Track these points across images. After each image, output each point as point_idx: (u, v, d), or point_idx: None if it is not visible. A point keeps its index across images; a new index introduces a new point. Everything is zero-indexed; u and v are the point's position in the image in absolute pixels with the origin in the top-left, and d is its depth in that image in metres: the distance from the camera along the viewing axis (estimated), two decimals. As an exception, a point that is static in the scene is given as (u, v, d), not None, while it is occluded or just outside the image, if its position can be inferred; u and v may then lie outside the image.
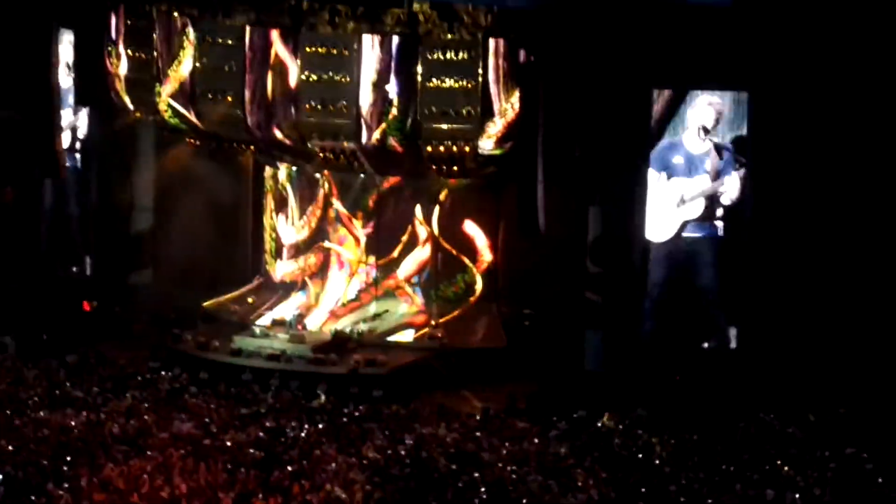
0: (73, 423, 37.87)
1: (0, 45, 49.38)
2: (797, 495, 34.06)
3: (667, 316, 43.09)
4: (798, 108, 41.93)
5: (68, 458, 35.62)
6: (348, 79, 43.78)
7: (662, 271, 43.01)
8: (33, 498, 33.43)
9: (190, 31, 45.11)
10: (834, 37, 42.07)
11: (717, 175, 42.66)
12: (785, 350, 41.65)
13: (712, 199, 42.72)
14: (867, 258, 42.30)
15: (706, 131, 42.72)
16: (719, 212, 42.88)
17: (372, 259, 47.36)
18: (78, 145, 48.25)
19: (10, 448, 36.26)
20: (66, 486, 34.05)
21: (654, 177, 42.96)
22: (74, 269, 48.42)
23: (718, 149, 42.65)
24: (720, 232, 42.71)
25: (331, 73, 43.93)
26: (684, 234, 43.07)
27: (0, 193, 50.14)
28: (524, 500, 34.01)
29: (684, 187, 42.80)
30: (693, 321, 42.95)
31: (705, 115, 42.78)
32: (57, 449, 36.30)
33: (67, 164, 48.08)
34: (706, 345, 42.80)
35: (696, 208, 42.85)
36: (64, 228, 48.75)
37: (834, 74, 41.92)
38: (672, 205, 42.84)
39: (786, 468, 35.59)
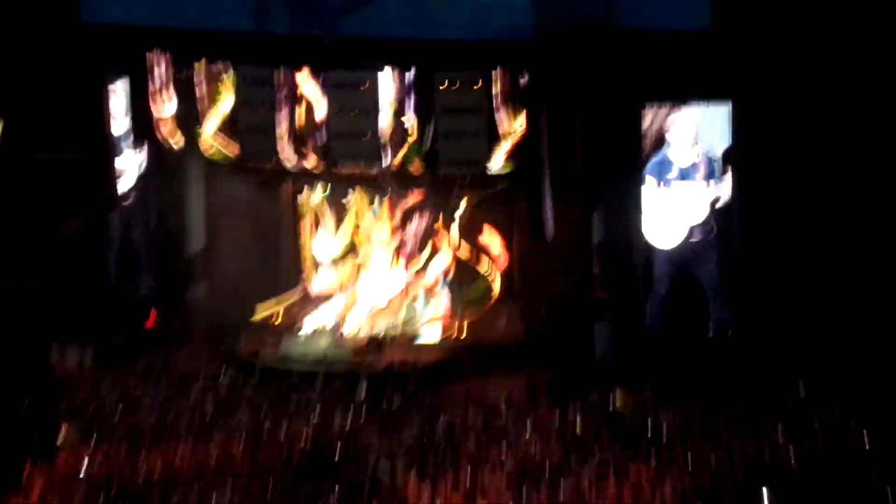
0: (144, 421, 38.50)
1: (60, 91, 50.07)
2: (790, 456, 34.67)
3: (671, 309, 43.42)
4: (778, 117, 42.12)
5: (143, 450, 36.27)
6: (370, 110, 44.13)
7: (667, 270, 43.20)
8: (114, 484, 34.01)
9: (228, 74, 45.60)
10: (809, 52, 42.44)
11: (709, 181, 42.92)
12: (777, 334, 41.99)
13: (712, 204, 43.01)
14: (849, 249, 42.56)
15: (694, 143, 43.02)
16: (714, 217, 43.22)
17: (400, 268, 47.78)
18: (137, 180, 48.68)
19: (94, 447, 36.96)
20: (142, 473, 34.75)
21: (654, 187, 43.21)
22: (139, 287, 48.80)
23: (707, 158, 42.93)
24: (714, 232, 42.86)
25: (354, 106, 44.30)
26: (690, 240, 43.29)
27: (66, 225, 50.78)
28: (544, 474, 34.59)
29: (685, 195, 43.05)
30: (695, 313, 43.24)
31: (692, 129, 43.07)
32: (132, 443, 36.97)
33: (130, 196, 48.58)
34: (708, 333, 43.06)
35: (701, 214, 43.09)
36: (129, 251, 49.15)
37: (810, 86, 42.18)
38: (677, 212, 43.09)
39: (780, 434, 36.15)
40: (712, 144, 43.06)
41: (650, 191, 44.47)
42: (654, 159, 44.44)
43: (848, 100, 43.06)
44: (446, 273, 49.54)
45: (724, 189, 43.99)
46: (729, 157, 43.30)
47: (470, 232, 48.91)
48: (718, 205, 43.32)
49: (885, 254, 42.89)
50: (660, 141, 43.79)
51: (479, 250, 49.25)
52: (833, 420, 36.78)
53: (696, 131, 43.50)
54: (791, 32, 42.98)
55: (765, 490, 32.22)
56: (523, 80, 45.13)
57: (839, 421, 36.67)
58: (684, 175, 44.14)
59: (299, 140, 46.55)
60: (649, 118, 43.84)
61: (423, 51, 44.71)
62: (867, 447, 34.86)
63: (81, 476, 34.93)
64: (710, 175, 43.43)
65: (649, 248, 44.23)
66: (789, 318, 43.09)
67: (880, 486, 32.43)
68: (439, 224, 49.02)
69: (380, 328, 48.56)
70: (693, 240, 44.20)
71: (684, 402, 39.05)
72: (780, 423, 36.80)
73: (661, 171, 44.16)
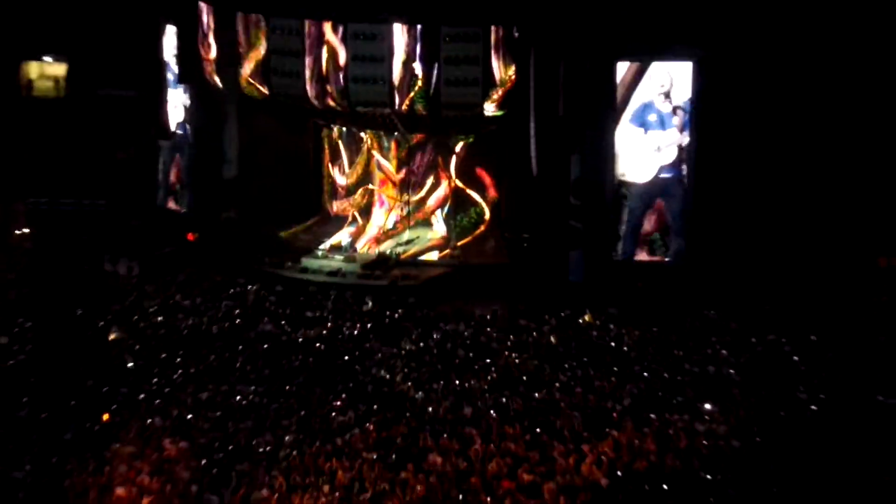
0: (182, 326, 38.44)
1: (120, 39, 49.69)
2: (731, 370, 34.58)
3: (638, 238, 43.19)
4: (736, 74, 42.04)
5: (180, 352, 36.25)
6: (383, 58, 43.83)
7: (639, 204, 42.95)
8: (154, 381, 33.94)
9: (262, 24, 45.17)
10: (765, 18, 42.21)
11: (683, 129, 42.62)
12: (725, 262, 41.78)
13: (680, 148, 42.69)
14: (791, 191, 42.48)
15: (667, 94, 42.64)
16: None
17: (405, 197, 47.48)
18: (182, 114, 48.30)
19: (137, 346, 36.89)
20: (179, 373, 34.62)
21: (633, 131, 42.90)
22: (180, 208, 48.53)
23: (679, 108, 42.56)
24: (684, 173, 42.63)
25: (370, 55, 43.97)
26: (661, 176, 43.04)
27: (122, 152, 50.53)
28: (524, 378, 34.43)
29: (659, 139, 42.71)
30: (657, 242, 43.03)
31: (663, 81, 42.67)
32: (171, 345, 36.90)
33: (174, 129, 48.22)
34: (666, 259, 42.83)
35: (670, 154, 42.77)
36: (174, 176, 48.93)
37: (764, 47, 42.07)
38: (650, 152, 42.77)
39: (723, 351, 36.00)
40: (683, 97, 43.19)
41: (630, 134, 44.41)
42: (637, 107, 44.51)
43: (796, 58, 42.81)
44: (444, 202, 49.28)
45: (689, 137, 43.84)
46: (691, 108, 43.32)
47: (465, 168, 48.67)
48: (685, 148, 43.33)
49: (819, 196, 42.88)
50: (631, 93, 43.80)
51: (472, 184, 49.25)
52: (768, 341, 36.75)
53: (673, 85, 43.45)
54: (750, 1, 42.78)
55: (707, 402, 32.26)
56: (515, 36, 45.02)
57: (773, 342, 36.66)
58: (662, 122, 43.90)
59: (322, 83, 46.41)
60: (626, 71, 43.82)
61: (429, 7, 44.42)
62: (796, 367, 34.88)
63: (128, 370, 35.12)
64: (683, 123, 43.27)
65: (621, 185, 44.26)
66: (737, 250, 43.05)
67: (807, 400, 32.45)
68: (439, 160, 49.04)
69: (386, 248, 48.37)
70: (662, 176, 44.42)
71: (643, 322, 38.95)
72: (724, 343, 36.83)
73: (643, 118, 43.99)
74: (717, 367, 34.70)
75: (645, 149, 42.68)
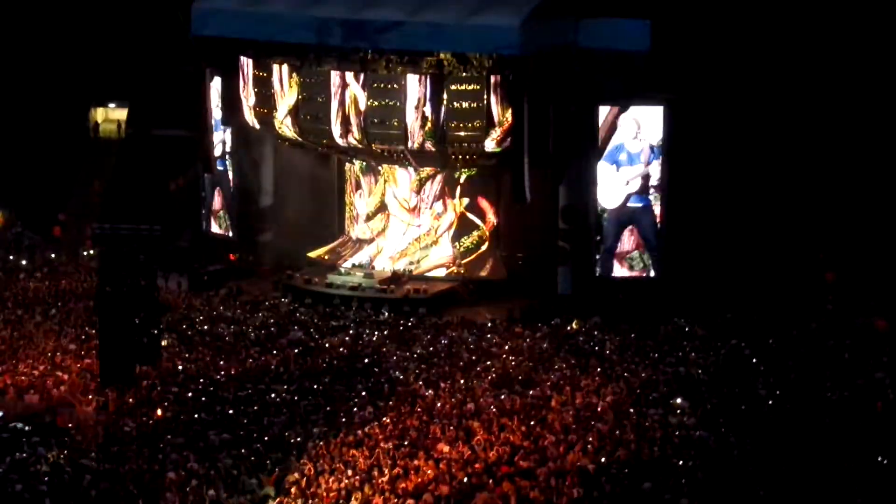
0: (224, 333, 38.09)
1: (172, 86, 49.50)
2: (699, 371, 34.20)
3: (614, 256, 43.00)
4: (699, 117, 42.16)
5: (223, 356, 35.89)
6: (398, 104, 43.56)
7: (613, 227, 42.79)
8: (200, 381, 33.62)
9: (294, 75, 44.90)
10: (723, 69, 42.30)
11: (648, 163, 42.46)
12: (693, 277, 41.53)
13: (646, 179, 42.48)
14: (749, 215, 42.48)
15: (636, 136, 42.51)
16: (652, 189, 42.73)
17: (416, 221, 47.15)
18: (225, 152, 48.08)
19: (184, 348, 36.56)
20: (221, 374, 34.28)
21: (607, 168, 42.82)
22: (223, 232, 48.30)
23: (650, 146, 42.46)
24: (653, 202, 42.45)
25: (386, 101, 43.70)
26: (629, 204, 42.80)
27: (173, 184, 50.34)
28: (520, 377, 34.06)
29: (628, 173, 42.60)
30: (635, 259, 42.87)
31: (635, 124, 42.55)
32: (215, 350, 36.55)
33: (218, 165, 48.00)
34: (642, 274, 42.61)
35: (635, 185, 42.60)
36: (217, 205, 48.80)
37: (723, 94, 42.26)
38: (621, 184, 42.65)
39: (692, 354, 35.64)
40: (653, 137, 43.05)
41: (605, 170, 44.15)
42: (611, 148, 44.24)
43: (751, 102, 42.83)
44: (450, 226, 49.02)
45: (655, 169, 43.71)
46: (662, 145, 43.16)
47: (468, 196, 48.69)
48: (652, 181, 43.13)
49: (775, 219, 42.71)
50: (611, 133, 43.64)
51: (475, 210, 48.98)
52: (731, 345, 36.30)
53: (641, 127, 43.29)
54: (709, 55, 42.65)
55: (679, 398, 31.91)
56: (511, 85, 44.77)
57: (735, 346, 36.21)
58: (631, 159, 43.70)
59: (345, 124, 46.11)
60: (604, 115, 43.62)
61: (438, 61, 44.15)
62: (756, 367, 34.48)
63: (178, 371, 34.77)
64: (649, 160, 43.10)
65: (602, 211, 44.01)
66: (703, 267, 42.69)
67: (766, 396, 32.01)
68: (446, 190, 48.66)
69: (400, 266, 48.30)
70: (630, 204, 44.17)
71: (623, 328, 38.68)
72: (693, 347, 36.49)
73: (616, 156, 43.81)
74: (687, 368, 34.28)
75: (616, 182, 42.64)
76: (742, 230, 42.34)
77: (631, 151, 42.54)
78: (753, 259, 41.83)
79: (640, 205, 42.81)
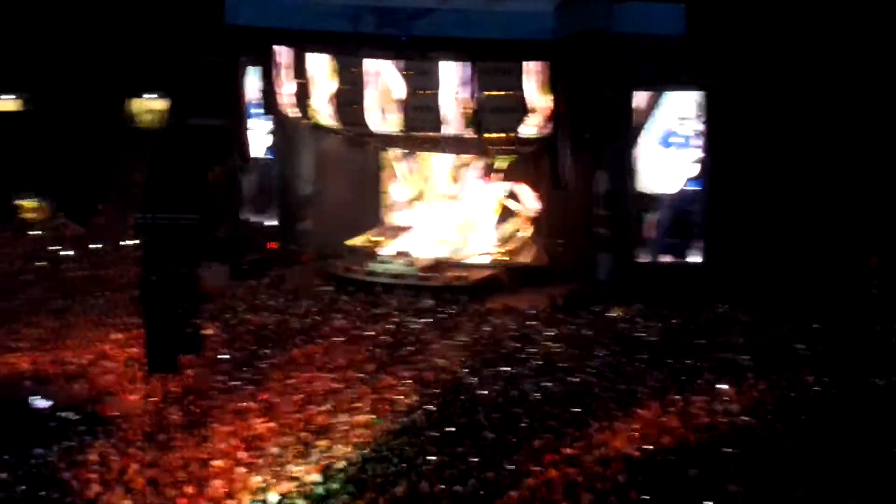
0: (267, 322, 38.21)
1: (209, 77, 49.55)
2: (745, 357, 34.06)
3: (663, 242, 42.90)
4: (741, 102, 41.83)
5: (267, 345, 36.01)
6: (432, 91, 43.50)
7: (667, 212, 42.60)
8: (245, 370, 33.73)
9: (329, 63, 44.89)
10: (761, 52, 42.04)
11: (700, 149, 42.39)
12: (738, 263, 41.37)
13: (702, 164, 42.34)
14: (794, 200, 42.25)
15: (686, 119, 42.34)
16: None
17: (456, 209, 47.12)
18: (262, 140, 48.12)
19: (227, 336, 36.69)
20: (266, 362, 34.40)
21: (659, 150, 42.54)
22: (262, 220, 48.34)
23: (698, 130, 42.35)
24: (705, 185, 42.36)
25: (421, 88, 43.68)
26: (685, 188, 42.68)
27: (212, 174, 50.38)
28: (563, 364, 34.05)
29: (683, 156, 42.29)
30: (682, 245, 42.74)
31: (681, 110, 42.38)
32: (258, 338, 36.67)
33: (258, 153, 48.06)
34: (687, 261, 42.46)
35: (695, 170, 42.39)
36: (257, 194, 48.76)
37: (762, 78, 41.95)
38: (676, 167, 42.36)
39: (737, 340, 35.58)
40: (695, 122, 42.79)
41: (657, 153, 44.07)
42: (662, 131, 44.07)
43: (791, 87, 42.60)
44: (490, 213, 49.20)
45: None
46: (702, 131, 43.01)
47: (508, 183, 48.63)
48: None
49: (820, 203, 42.45)
50: (646, 118, 43.49)
51: (514, 196, 49.39)
52: (778, 332, 36.22)
53: (681, 111, 43.11)
54: (746, 38, 42.46)
55: (723, 385, 31.88)
56: (548, 70, 44.71)
57: (781, 332, 36.16)
58: (686, 142, 43.51)
59: (382, 112, 46.17)
60: (641, 100, 43.53)
61: (474, 46, 44.13)
62: (802, 353, 34.37)
63: (221, 359, 34.90)
64: (700, 143, 42.89)
65: (642, 197, 43.92)
66: (747, 252, 42.54)
67: (813, 383, 31.90)
68: (485, 176, 48.73)
69: (441, 253, 48.31)
70: (688, 189, 44.00)
71: (666, 315, 38.59)
72: (738, 333, 36.40)
73: (667, 140, 43.59)
74: (732, 354, 34.21)
75: (670, 166, 42.36)
76: (786, 216, 42.07)
77: (683, 134, 42.27)
78: (799, 244, 41.57)
79: (696, 189, 42.54)
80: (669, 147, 42.38)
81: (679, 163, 42.33)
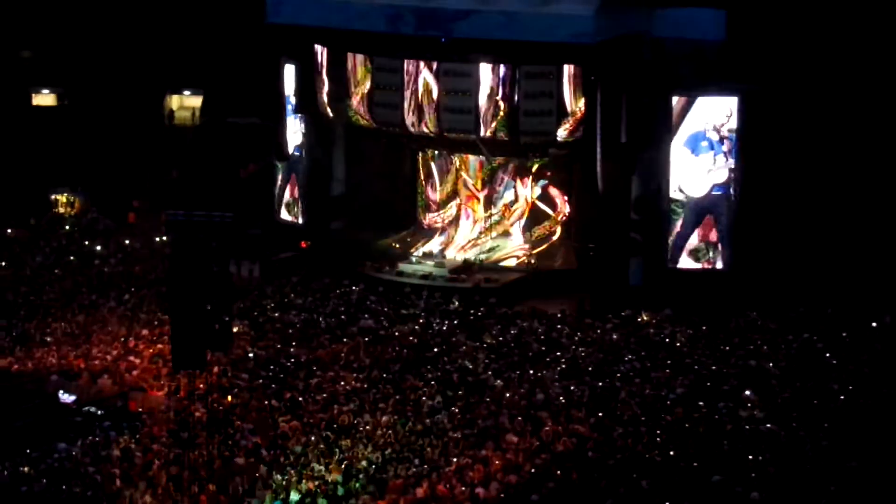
0: (295, 320, 38.25)
1: (246, 75, 49.75)
2: (771, 364, 33.95)
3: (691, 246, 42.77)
4: (776, 105, 41.65)
5: (293, 343, 36.05)
6: (470, 93, 43.54)
7: (694, 217, 42.46)
8: (272, 367, 33.80)
9: (368, 63, 45.00)
10: (800, 59, 41.85)
11: (730, 153, 42.17)
12: (766, 270, 41.18)
13: (730, 169, 42.17)
14: (822, 207, 42.00)
15: (717, 124, 42.21)
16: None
17: (488, 211, 47.12)
18: (298, 139, 48.24)
19: (255, 334, 36.78)
20: (292, 360, 34.44)
21: (686, 154, 42.44)
22: (295, 219, 48.41)
23: (726, 136, 42.20)
24: (731, 190, 42.17)
25: (459, 90, 43.71)
26: (713, 193, 42.53)
27: (244, 171, 50.51)
28: (589, 369, 33.99)
29: (710, 161, 42.16)
30: (702, 251, 42.54)
31: (711, 115, 42.21)
32: (285, 337, 36.72)
33: (291, 151, 48.14)
34: (713, 267, 42.29)
35: (722, 175, 42.21)
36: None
37: (800, 84, 41.75)
38: (703, 173, 42.21)
39: (764, 347, 35.38)
40: (727, 127, 42.67)
41: (685, 156, 43.93)
42: (690, 135, 43.94)
43: (827, 95, 42.32)
44: (522, 216, 49.15)
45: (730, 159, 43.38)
46: (736, 136, 42.84)
47: (540, 185, 48.65)
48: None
49: (849, 211, 42.13)
50: (679, 123, 43.35)
51: (546, 200, 49.11)
52: (803, 339, 36.07)
53: (714, 117, 42.96)
54: (786, 44, 42.24)
55: (748, 391, 31.78)
56: (584, 74, 44.61)
57: (808, 340, 35.96)
58: (712, 146, 43.36)
59: (418, 113, 46.19)
60: (681, 104, 43.36)
61: (512, 49, 44.07)
62: (828, 361, 34.25)
63: (249, 358, 34.95)
64: (734, 151, 42.79)
65: (676, 202, 43.76)
66: (776, 259, 42.32)
67: (838, 391, 31.76)
68: (518, 179, 48.64)
69: (471, 255, 48.06)
70: (714, 194, 43.86)
71: (694, 321, 38.37)
72: (765, 340, 36.21)
73: (696, 144, 43.47)
74: (758, 361, 34.06)
75: (698, 169, 42.21)
76: (815, 223, 41.87)
77: (712, 139, 42.19)
78: (827, 252, 41.39)
79: (720, 193, 42.44)
80: (695, 152, 42.35)
81: (706, 167, 42.30)
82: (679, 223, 42.41)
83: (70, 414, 31.28)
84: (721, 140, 42.06)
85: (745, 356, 34.61)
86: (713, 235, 42.31)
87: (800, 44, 42.30)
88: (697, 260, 42.63)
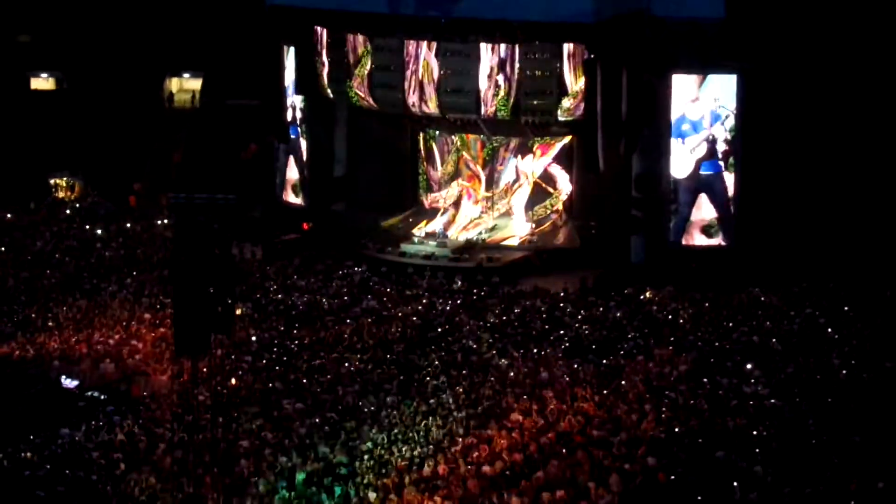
0: (298, 303, 38.24)
1: (247, 54, 49.67)
2: (774, 340, 33.94)
3: (689, 224, 42.74)
4: (775, 84, 41.89)
5: (296, 325, 36.04)
6: (471, 73, 43.54)
7: (687, 196, 42.55)
8: (274, 350, 33.79)
9: (368, 44, 44.95)
10: (799, 39, 41.87)
11: (710, 125, 42.28)
12: (768, 246, 41.17)
13: (712, 144, 42.21)
14: (822, 183, 42.05)
15: (695, 102, 42.33)
16: (720, 154, 42.44)
17: (490, 191, 47.12)
18: (298, 120, 48.21)
19: (258, 317, 36.69)
20: (296, 343, 34.44)
21: (673, 140, 42.59)
22: (296, 201, 48.44)
23: (711, 112, 42.25)
24: (722, 167, 42.17)
25: (459, 70, 43.69)
26: (701, 172, 42.57)
27: (245, 153, 50.45)
28: (593, 347, 33.99)
29: (693, 140, 42.32)
30: (713, 227, 42.59)
31: (691, 92, 42.35)
32: (288, 319, 36.70)
33: (291, 134, 48.15)
34: (715, 242, 42.31)
35: (701, 150, 42.32)
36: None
37: (798, 63, 41.81)
38: (687, 152, 42.40)
39: (766, 323, 35.37)
40: (718, 104, 42.77)
41: (673, 143, 43.85)
42: (675, 121, 43.91)
43: (827, 72, 42.39)
44: (524, 195, 49.14)
45: (720, 134, 43.43)
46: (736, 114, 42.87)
47: (541, 165, 48.59)
48: (720, 147, 42.88)
49: (849, 187, 42.26)
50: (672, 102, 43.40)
51: (548, 179, 49.06)
52: (806, 315, 36.06)
53: (704, 95, 42.99)
54: (786, 23, 42.24)
55: (749, 364, 31.85)
56: (584, 53, 44.57)
57: (810, 316, 35.96)
58: (694, 127, 43.40)
59: (418, 93, 46.15)
60: (676, 83, 43.34)
61: (512, 28, 44.08)
62: (831, 337, 34.21)
63: (252, 341, 34.95)
64: (712, 125, 42.83)
65: (674, 181, 43.75)
66: (778, 236, 42.41)
67: (840, 366, 31.77)
68: (519, 158, 48.60)
69: (473, 234, 48.11)
70: (703, 172, 43.87)
71: (696, 298, 38.47)
72: (767, 316, 36.19)
73: (679, 128, 43.45)
74: (761, 338, 34.05)
75: (682, 150, 42.39)
76: (817, 199, 41.95)
77: (692, 119, 42.30)
78: (829, 228, 41.42)
79: (710, 172, 42.49)
80: (680, 137, 42.50)
81: (689, 146, 42.39)
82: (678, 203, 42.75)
83: (73, 399, 31.28)
84: (700, 118, 42.21)
85: (747, 332, 34.60)
86: (713, 213, 42.55)
87: (799, 21, 42.36)
88: (710, 237, 42.69)
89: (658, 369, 31.90)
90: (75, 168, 51.50)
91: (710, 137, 42.25)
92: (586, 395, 30.08)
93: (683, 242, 42.71)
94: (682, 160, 42.48)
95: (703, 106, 42.23)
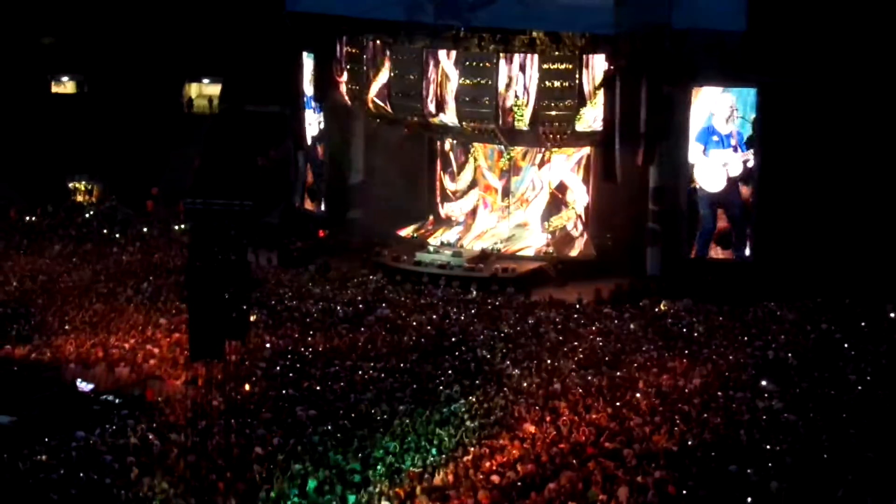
0: (313, 310, 38.27)
1: (265, 63, 49.86)
2: (789, 354, 33.86)
3: (710, 238, 42.72)
4: (792, 100, 41.75)
5: (311, 332, 36.08)
6: (490, 82, 43.61)
7: (710, 209, 42.54)
8: (288, 356, 33.85)
9: (387, 52, 45.06)
10: (820, 53, 41.80)
11: (737, 148, 42.23)
12: (785, 260, 41.11)
13: (744, 164, 42.26)
14: (840, 199, 41.99)
15: (727, 119, 42.24)
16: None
17: (506, 201, 47.14)
18: (316, 128, 48.32)
19: (271, 322, 36.83)
20: (309, 349, 34.47)
21: (698, 149, 42.50)
22: (313, 208, 48.58)
23: (739, 132, 42.27)
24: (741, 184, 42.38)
25: (478, 79, 43.76)
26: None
27: (262, 159, 50.63)
28: (606, 359, 33.93)
29: (723, 155, 42.26)
30: (724, 241, 42.57)
31: (725, 107, 42.27)
32: (303, 326, 36.75)
33: (309, 141, 48.28)
34: (733, 256, 42.29)
35: (737, 169, 42.29)
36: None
37: (818, 77, 41.84)
38: (718, 167, 42.33)
39: (782, 337, 35.28)
40: (745, 120, 42.74)
41: (698, 151, 43.89)
42: (701, 129, 43.91)
43: (847, 89, 42.31)
44: (540, 205, 49.11)
45: (750, 154, 43.38)
46: (756, 129, 42.83)
47: (558, 175, 48.55)
48: (749, 164, 42.84)
49: (867, 205, 42.17)
50: (700, 115, 43.32)
51: (565, 189, 49.10)
52: (821, 330, 35.86)
53: (733, 109, 42.95)
54: (807, 37, 42.15)
55: (766, 381, 31.67)
56: (604, 64, 44.60)
57: (826, 331, 35.75)
58: (722, 142, 43.38)
59: (437, 102, 46.24)
60: (698, 96, 43.33)
61: (533, 39, 44.15)
62: (846, 352, 33.99)
63: (266, 347, 34.97)
64: (739, 143, 42.78)
65: (693, 194, 43.72)
66: (794, 251, 42.39)
67: (855, 381, 31.63)
68: (537, 168, 48.59)
69: (489, 244, 48.26)
70: (730, 188, 43.80)
71: (712, 311, 38.44)
72: (782, 330, 36.01)
73: (706, 139, 43.48)
74: (776, 352, 33.88)
75: (713, 164, 42.26)
76: (835, 214, 41.89)
77: (722, 133, 42.27)
78: (846, 243, 41.35)
79: (733, 188, 42.55)
80: (706, 147, 42.43)
81: (721, 162, 42.31)
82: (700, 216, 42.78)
83: (88, 402, 31.33)
84: (728, 134, 42.19)
85: (763, 346, 34.44)
86: (727, 226, 42.58)
87: (820, 35, 42.25)
88: (726, 248, 42.73)
89: (672, 382, 31.87)
90: (94, 172, 51.68)
91: (747, 159, 42.17)
92: (599, 407, 30.08)
93: (699, 255, 42.66)
94: (712, 174, 42.30)
95: (733, 121, 42.13)
